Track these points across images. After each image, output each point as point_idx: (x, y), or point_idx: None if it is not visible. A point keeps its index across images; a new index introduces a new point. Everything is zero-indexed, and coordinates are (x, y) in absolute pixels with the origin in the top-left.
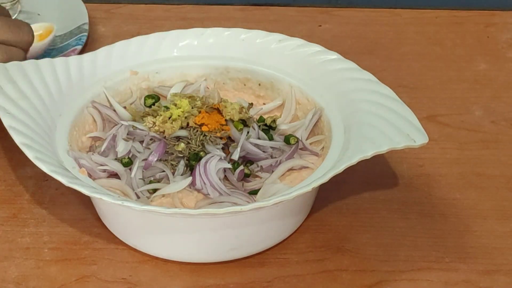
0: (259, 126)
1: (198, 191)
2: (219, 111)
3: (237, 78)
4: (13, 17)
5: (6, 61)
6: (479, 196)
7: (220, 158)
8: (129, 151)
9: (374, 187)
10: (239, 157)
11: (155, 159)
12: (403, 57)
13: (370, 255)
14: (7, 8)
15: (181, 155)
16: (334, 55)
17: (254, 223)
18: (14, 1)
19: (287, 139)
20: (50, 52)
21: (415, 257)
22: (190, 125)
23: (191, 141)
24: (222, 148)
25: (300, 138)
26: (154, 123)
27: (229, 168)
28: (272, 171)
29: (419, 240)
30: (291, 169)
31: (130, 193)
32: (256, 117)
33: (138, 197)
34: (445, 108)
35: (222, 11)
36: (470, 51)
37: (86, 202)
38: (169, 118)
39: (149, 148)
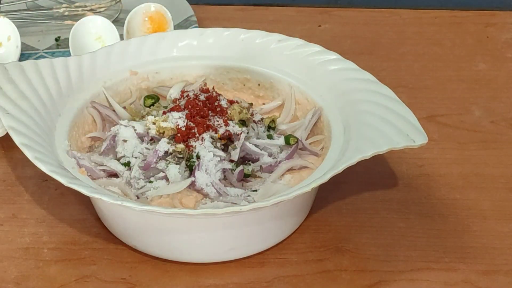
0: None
1: (198, 191)
2: None
3: (237, 78)
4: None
5: None
6: (479, 196)
7: (220, 159)
8: (129, 151)
9: (374, 187)
10: (239, 157)
11: (155, 160)
12: (402, 57)
13: (370, 255)
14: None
15: (181, 156)
16: (333, 55)
17: (254, 223)
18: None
19: (286, 139)
20: None
21: (414, 257)
22: None
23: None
24: (222, 149)
25: (299, 138)
26: (154, 123)
27: (229, 168)
28: (272, 171)
29: (419, 240)
30: (290, 169)
31: (130, 193)
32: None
33: (138, 198)
34: (444, 108)
35: (222, 11)
36: (470, 51)
37: (85, 202)
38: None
39: (148, 149)
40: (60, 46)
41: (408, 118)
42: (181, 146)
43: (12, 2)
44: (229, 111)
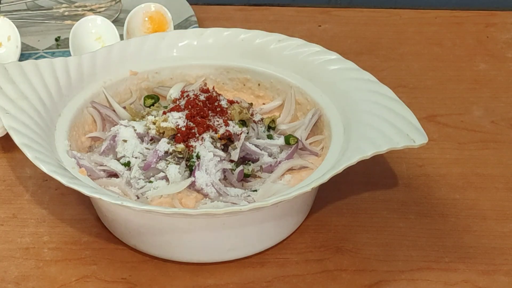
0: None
1: (198, 191)
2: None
3: (237, 78)
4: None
5: None
6: (479, 196)
7: (220, 159)
8: (129, 151)
9: (374, 187)
10: (239, 157)
11: (155, 160)
12: (402, 57)
13: (370, 255)
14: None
15: (181, 156)
16: (333, 55)
17: (254, 223)
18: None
19: (287, 139)
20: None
21: (414, 257)
22: None
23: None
24: (222, 149)
25: (299, 138)
26: (154, 123)
27: (229, 168)
28: (272, 171)
29: (419, 240)
30: (290, 169)
31: (130, 193)
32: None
33: (138, 198)
34: (444, 108)
35: (222, 11)
36: (470, 51)
37: (86, 202)
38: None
39: (148, 149)
40: (60, 46)
41: (408, 118)
42: (181, 146)
43: (12, 2)
44: (229, 111)
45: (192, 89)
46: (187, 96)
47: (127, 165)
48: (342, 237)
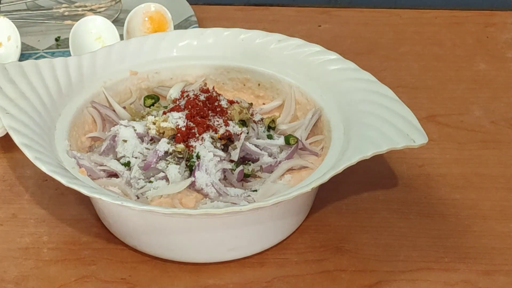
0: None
1: (198, 191)
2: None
3: (237, 78)
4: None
5: None
6: (479, 196)
7: (220, 159)
8: (129, 151)
9: (374, 187)
10: (239, 157)
11: (155, 160)
12: (402, 57)
13: (370, 255)
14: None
15: (181, 156)
16: (333, 55)
17: (254, 223)
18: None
19: (286, 139)
20: None
21: (414, 257)
22: None
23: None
24: (222, 149)
25: (299, 138)
26: (154, 123)
27: (229, 168)
28: (272, 171)
29: (419, 240)
30: (290, 169)
31: (130, 193)
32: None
33: (138, 198)
34: (444, 108)
35: (222, 11)
36: (470, 51)
37: (85, 202)
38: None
39: (148, 149)
40: (60, 46)
41: (408, 118)
42: (181, 146)
43: (12, 2)
44: (229, 111)
45: (192, 89)
46: (187, 96)
47: (127, 165)
48: (342, 237)
